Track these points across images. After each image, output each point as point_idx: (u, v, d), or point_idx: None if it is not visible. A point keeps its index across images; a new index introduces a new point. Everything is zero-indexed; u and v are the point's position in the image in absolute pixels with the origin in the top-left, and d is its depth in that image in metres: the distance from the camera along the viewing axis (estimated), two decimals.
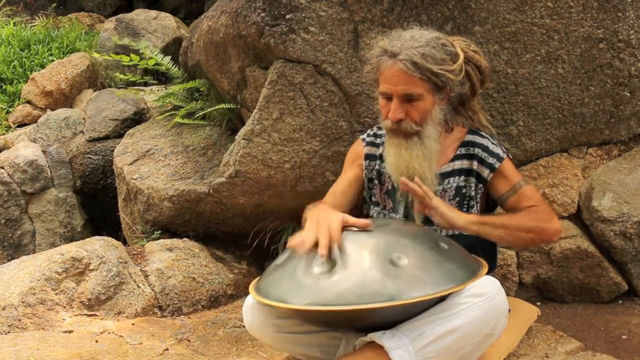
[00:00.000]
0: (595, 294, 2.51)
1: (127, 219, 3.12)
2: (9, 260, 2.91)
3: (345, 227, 1.56)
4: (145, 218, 2.93)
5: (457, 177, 1.83)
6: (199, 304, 2.51)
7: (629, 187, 2.47)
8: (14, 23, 5.20)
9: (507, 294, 1.73)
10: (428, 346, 1.45)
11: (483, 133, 1.87)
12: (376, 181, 1.92)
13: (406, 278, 1.43)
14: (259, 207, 2.68)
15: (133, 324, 2.29)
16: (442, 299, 1.47)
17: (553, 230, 1.77)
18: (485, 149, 1.82)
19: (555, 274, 2.52)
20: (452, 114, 1.82)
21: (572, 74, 2.39)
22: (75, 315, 2.31)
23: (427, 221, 1.78)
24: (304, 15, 2.32)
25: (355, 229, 1.57)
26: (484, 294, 1.48)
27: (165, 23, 4.77)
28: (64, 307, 2.32)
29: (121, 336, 2.18)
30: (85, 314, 2.33)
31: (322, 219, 1.56)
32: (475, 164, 1.82)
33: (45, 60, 4.56)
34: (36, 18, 5.51)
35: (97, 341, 2.12)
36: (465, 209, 1.83)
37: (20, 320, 2.22)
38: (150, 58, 3.35)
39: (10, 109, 4.28)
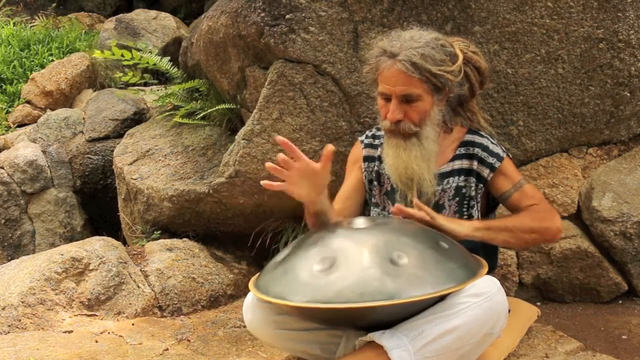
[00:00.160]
0: (595, 294, 2.51)
1: (127, 219, 3.12)
2: (8, 261, 2.90)
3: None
4: (145, 218, 2.93)
5: (456, 177, 1.83)
6: (199, 304, 2.51)
7: (629, 187, 2.46)
8: (14, 23, 5.19)
9: (507, 294, 1.73)
10: (427, 345, 1.45)
11: (483, 133, 1.87)
12: (375, 182, 1.92)
13: (406, 277, 1.43)
14: (259, 207, 2.68)
15: (133, 324, 2.29)
16: (442, 298, 1.47)
17: (555, 229, 1.78)
18: (485, 148, 1.82)
19: (555, 274, 2.51)
20: (450, 115, 1.82)
21: (572, 74, 2.39)
22: (75, 316, 2.31)
23: None
24: (303, 15, 2.32)
25: (356, 227, 1.57)
26: (484, 294, 1.48)
27: (165, 23, 4.77)
28: (64, 307, 2.32)
29: (121, 336, 2.18)
30: (85, 314, 2.33)
31: None
32: (475, 164, 1.82)
33: (45, 60, 4.55)
34: (36, 18, 5.50)
35: (97, 341, 2.12)
36: (465, 209, 1.83)
37: (20, 320, 2.22)
38: (150, 53, 3.33)
39: (10, 109, 4.27)
